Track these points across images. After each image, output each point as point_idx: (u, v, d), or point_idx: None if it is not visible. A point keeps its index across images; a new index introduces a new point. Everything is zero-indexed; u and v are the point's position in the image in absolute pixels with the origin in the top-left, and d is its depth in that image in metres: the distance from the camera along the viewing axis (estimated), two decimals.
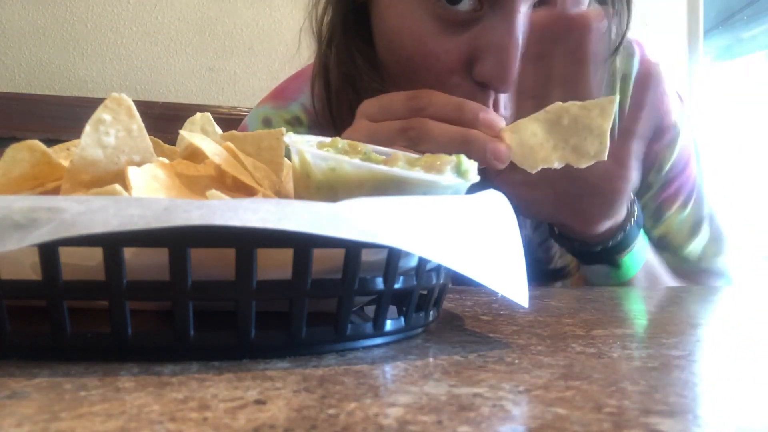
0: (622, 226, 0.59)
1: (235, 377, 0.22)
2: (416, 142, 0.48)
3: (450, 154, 0.44)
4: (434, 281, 0.30)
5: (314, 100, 0.68)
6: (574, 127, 0.41)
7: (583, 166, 0.40)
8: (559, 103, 0.41)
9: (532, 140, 0.42)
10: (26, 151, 0.30)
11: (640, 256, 0.62)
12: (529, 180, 0.54)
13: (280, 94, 0.77)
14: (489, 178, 0.53)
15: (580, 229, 0.58)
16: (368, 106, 0.52)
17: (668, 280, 0.69)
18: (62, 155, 0.32)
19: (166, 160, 0.31)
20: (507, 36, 0.51)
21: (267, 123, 0.74)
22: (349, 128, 0.52)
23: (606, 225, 0.58)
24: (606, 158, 0.40)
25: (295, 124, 0.73)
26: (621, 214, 0.58)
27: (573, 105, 0.40)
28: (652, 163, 0.72)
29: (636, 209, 0.61)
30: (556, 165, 0.41)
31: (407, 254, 0.26)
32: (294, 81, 0.78)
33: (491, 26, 0.52)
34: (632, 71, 0.71)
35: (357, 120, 0.52)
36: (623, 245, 0.60)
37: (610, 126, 0.40)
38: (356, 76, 0.63)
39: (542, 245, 0.72)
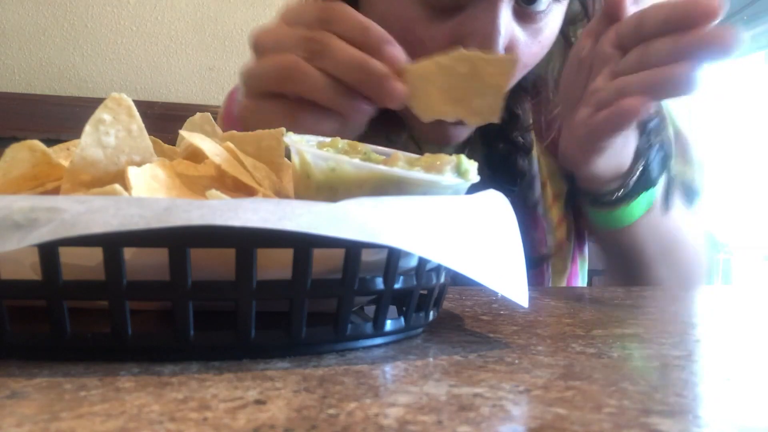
0: (627, 174, 0.56)
1: (235, 377, 0.22)
2: (314, 56, 0.46)
3: (345, 78, 0.46)
4: (434, 281, 0.30)
5: None
6: (473, 81, 0.40)
7: (473, 124, 0.41)
8: (463, 51, 0.40)
9: (430, 87, 0.42)
10: (26, 151, 0.30)
11: (643, 206, 0.59)
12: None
13: None
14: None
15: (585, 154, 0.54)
16: (287, 10, 0.51)
17: (676, 234, 0.65)
18: (62, 155, 0.32)
19: (166, 160, 0.31)
20: (490, 24, 0.52)
21: None
22: (263, 25, 0.51)
23: (619, 158, 0.55)
24: (497, 120, 0.40)
25: None
26: (627, 155, 0.55)
27: (476, 56, 0.40)
28: None
29: (651, 165, 0.58)
30: (449, 119, 0.41)
31: (407, 254, 0.26)
32: None
33: (475, 14, 0.53)
34: None
35: (275, 20, 0.51)
36: (627, 194, 0.57)
37: (507, 87, 0.40)
38: None
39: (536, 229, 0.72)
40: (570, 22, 0.62)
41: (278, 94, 0.48)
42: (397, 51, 0.45)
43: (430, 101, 0.42)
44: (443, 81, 0.41)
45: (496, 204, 0.30)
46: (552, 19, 0.57)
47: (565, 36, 0.63)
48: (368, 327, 0.27)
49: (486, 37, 0.52)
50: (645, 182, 0.57)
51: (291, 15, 0.49)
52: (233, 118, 0.75)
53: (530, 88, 0.67)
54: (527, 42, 0.56)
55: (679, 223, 0.67)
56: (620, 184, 0.57)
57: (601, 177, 0.56)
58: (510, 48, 0.55)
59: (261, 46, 0.49)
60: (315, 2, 0.49)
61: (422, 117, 0.42)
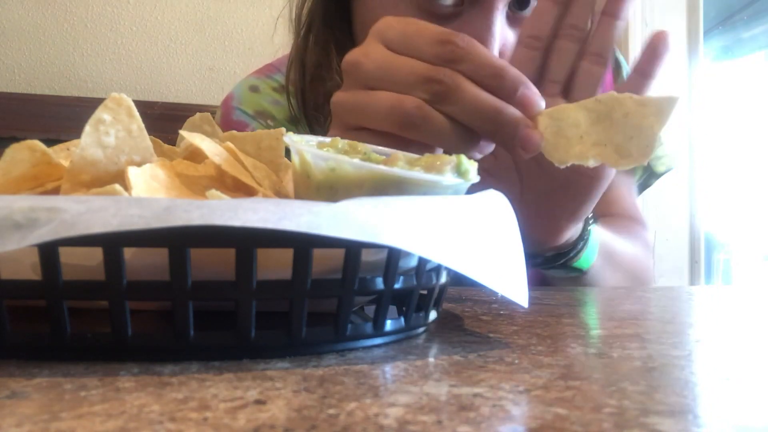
0: (583, 230, 0.57)
1: (235, 377, 0.22)
2: (438, 99, 0.41)
3: (473, 125, 0.41)
4: (434, 281, 0.30)
5: (288, 88, 0.68)
6: (623, 124, 0.36)
7: (621, 168, 0.37)
8: (613, 94, 0.37)
9: (571, 131, 0.38)
10: (26, 151, 0.30)
11: (595, 241, 0.59)
12: (496, 169, 0.50)
13: (263, 69, 0.79)
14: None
15: (539, 237, 0.54)
16: (388, 27, 0.44)
17: (622, 247, 0.67)
18: (62, 155, 0.32)
19: (166, 160, 0.31)
20: (486, 30, 0.52)
21: (254, 89, 0.75)
22: (359, 48, 0.45)
23: (571, 231, 0.54)
24: (646, 163, 0.37)
25: (282, 92, 0.73)
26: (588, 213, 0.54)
27: (629, 98, 0.36)
28: None
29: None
30: (591, 163, 0.37)
31: (407, 254, 0.26)
32: (275, 61, 0.80)
33: (471, 20, 0.53)
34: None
35: (371, 40, 0.44)
36: (582, 246, 0.57)
37: (662, 129, 0.36)
38: (331, 66, 0.63)
39: None
40: None
41: (378, 130, 0.43)
42: (532, 93, 0.40)
43: (568, 147, 0.38)
44: (587, 126, 0.37)
45: (496, 204, 0.30)
46: None
47: None
48: (368, 327, 0.27)
49: (482, 43, 0.52)
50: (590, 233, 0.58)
51: (396, 39, 0.43)
52: (230, 127, 0.74)
53: None
54: None
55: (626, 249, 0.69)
56: (576, 243, 0.57)
57: (560, 240, 0.55)
58: (502, 51, 0.55)
59: (363, 74, 0.43)
60: (427, 28, 0.43)
61: (557, 162, 0.39)
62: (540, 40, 0.47)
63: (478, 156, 0.44)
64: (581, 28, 0.46)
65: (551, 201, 0.52)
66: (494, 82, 0.40)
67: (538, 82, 0.48)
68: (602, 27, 0.46)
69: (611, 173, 0.51)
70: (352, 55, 0.45)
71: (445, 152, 0.38)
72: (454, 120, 0.41)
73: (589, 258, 0.59)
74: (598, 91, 0.47)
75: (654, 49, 0.46)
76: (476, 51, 0.41)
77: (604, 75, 0.47)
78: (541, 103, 0.41)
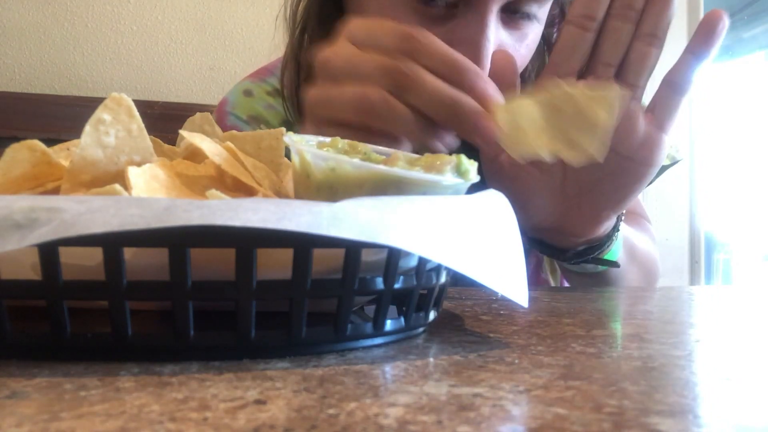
0: (616, 222, 0.56)
1: (235, 377, 0.22)
2: (400, 89, 0.42)
3: (433, 114, 0.42)
4: (434, 281, 0.30)
5: (283, 89, 0.68)
6: (576, 119, 0.37)
7: (576, 163, 0.38)
8: (565, 88, 0.38)
9: (527, 124, 0.39)
10: (26, 151, 0.30)
11: (621, 235, 0.59)
12: (536, 162, 0.49)
13: (257, 72, 0.79)
14: (483, 156, 0.49)
15: (576, 230, 0.54)
16: (355, 27, 0.46)
17: (638, 242, 0.67)
18: (62, 155, 0.32)
19: (166, 160, 0.31)
20: (480, 33, 0.52)
21: (248, 94, 0.75)
22: (328, 48, 0.46)
23: (609, 222, 0.54)
24: (601, 160, 0.38)
25: (276, 96, 0.73)
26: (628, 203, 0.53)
27: (579, 93, 0.37)
28: None
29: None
30: (548, 157, 0.38)
31: (407, 254, 0.26)
32: (269, 64, 0.80)
33: (465, 23, 0.53)
34: None
35: (339, 39, 0.46)
36: (614, 238, 0.57)
37: (612, 123, 0.37)
38: None
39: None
40: (548, 24, 0.63)
41: (345, 122, 0.44)
42: (489, 87, 0.42)
43: (525, 141, 0.39)
44: (541, 120, 0.38)
45: (496, 204, 0.30)
46: (536, 24, 0.58)
47: (544, 38, 0.63)
48: (368, 327, 0.27)
49: (476, 45, 0.52)
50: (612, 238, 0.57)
51: (362, 37, 0.45)
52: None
53: None
54: (514, 47, 0.56)
55: (643, 245, 0.68)
56: (611, 233, 0.56)
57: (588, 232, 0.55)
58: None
59: (331, 70, 0.45)
60: (390, 26, 0.44)
61: (513, 153, 0.39)
62: (594, 19, 0.47)
63: (450, 144, 0.45)
64: (636, 8, 0.47)
65: (597, 190, 0.51)
66: (453, 75, 0.42)
67: (590, 65, 0.48)
68: (656, 6, 0.46)
69: (660, 160, 0.50)
70: (322, 53, 0.47)
71: (424, 149, 0.39)
72: (416, 110, 0.42)
73: (615, 252, 0.58)
74: (650, 74, 0.47)
75: (709, 28, 0.46)
76: (436, 45, 0.43)
77: (659, 57, 0.47)
78: (499, 97, 0.42)
